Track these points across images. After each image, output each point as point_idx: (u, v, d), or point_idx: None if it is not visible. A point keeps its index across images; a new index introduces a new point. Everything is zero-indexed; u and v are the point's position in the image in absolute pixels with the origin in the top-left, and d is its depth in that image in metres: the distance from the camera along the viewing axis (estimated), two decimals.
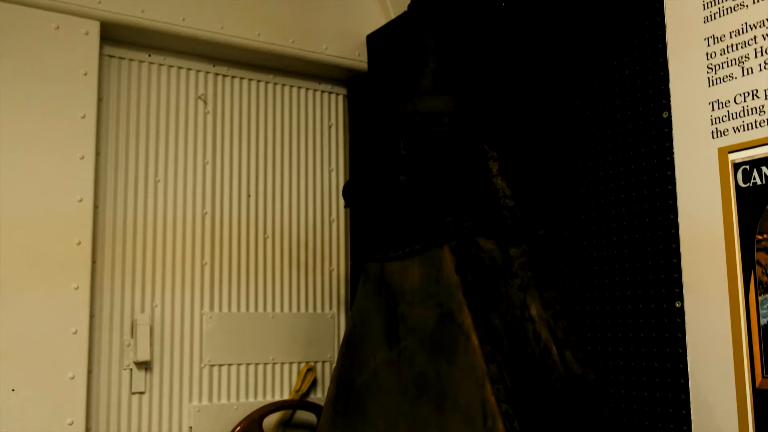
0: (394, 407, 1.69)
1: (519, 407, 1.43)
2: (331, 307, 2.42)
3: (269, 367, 2.29)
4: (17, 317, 1.83)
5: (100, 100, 2.04)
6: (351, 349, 1.89)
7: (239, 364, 2.24)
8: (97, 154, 2.03)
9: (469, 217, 1.64)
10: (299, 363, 2.33)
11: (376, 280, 1.82)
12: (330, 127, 2.49)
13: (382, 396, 1.74)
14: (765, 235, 1.27)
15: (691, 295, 1.40)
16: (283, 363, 2.31)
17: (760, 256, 1.28)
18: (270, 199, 2.35)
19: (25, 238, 1.87)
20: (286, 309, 2.34)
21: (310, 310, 2.39)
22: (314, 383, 2.33)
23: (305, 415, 2.30)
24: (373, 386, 1.78)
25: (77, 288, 1.92)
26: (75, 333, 1.91)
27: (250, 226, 2.30)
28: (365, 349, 1.83)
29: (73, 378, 1.89)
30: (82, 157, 1.95)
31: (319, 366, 2.36)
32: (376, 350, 1.78)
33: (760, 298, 1.28)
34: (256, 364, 2.26)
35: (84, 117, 1.96)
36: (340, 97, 2.52)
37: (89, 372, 1.97)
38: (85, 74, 1.98)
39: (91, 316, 1.99)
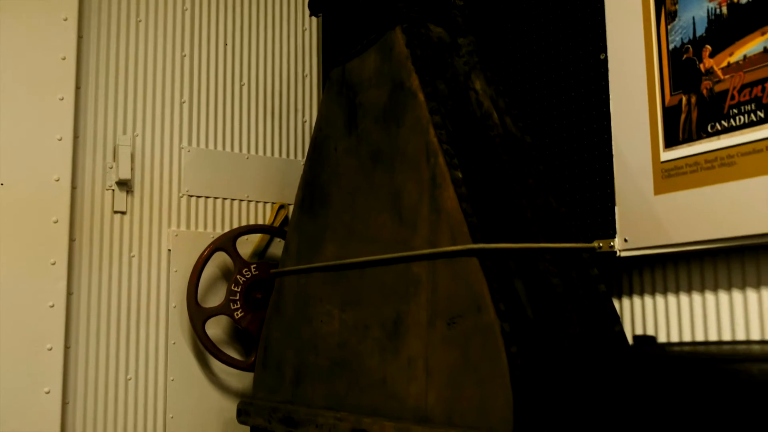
0: (353, 186, 1.84)
1: (460, 149, 1.58)
2: (303, 155, 2.57)
3: (244, 204, 2.44)
4: (5, 123, 1.98)
5: None
6: (316, 151, 2.04)
7: (216, 198, 2.38)
8: None
9: (419, 3, 1.79)
10: (272, 203, 2.48)
11: (339, 81, 1.97)
12: None
13: (343, 181, 1.89)
14: None
15: (613, 43, 1.55)
16: (257, 201, 2.46)
17: None
18: (246, 49, 2.50)
19: (11, 52, 2.01)
20: (260, 152, 2.49)
21: (284, 155, 2.54)
22: (286, 220, 2.47)
23: (278, 251, 2.45)
24: (334, 176, 1.93)
25: (62, 99, 2.07)
26: (60, 140, 2.05)
27: (227, 72, 2.45)
28: (328, 146, 1.98)
29: (57, 180, 2.04)
30: None
31: (291, 208, 2.51)
32: (337, 143, 1.93)
33: (669, 26, 1.43)
34: (232, 200, 2.41)
35: None
36: None
37: (74, 187, 2.12)
38: None
39: (76, 137, 2.13)
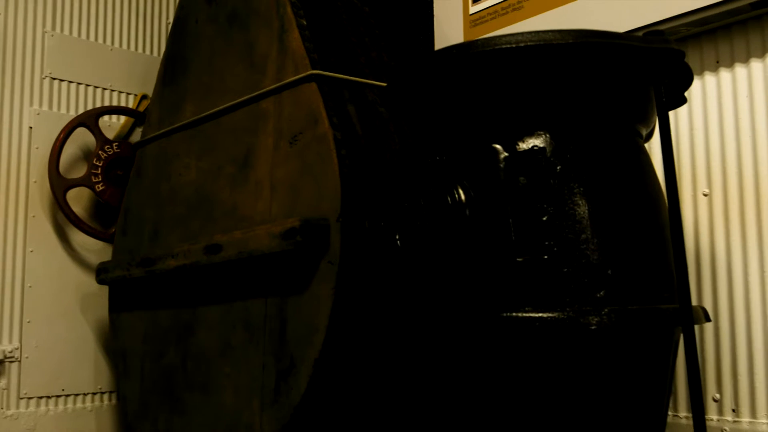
0: (211, 49, 2.03)
1: (305, 5, 1.81)
2: None
3: (107, 92, 2.55)
4: None
5: None
6: (177, 28, 2.21)
7: (79, 84, 2.49)
8: None
9: None
10: (135, 94, 2.61)
11: None
12: None
13: (203, 47, 2.07)
14: None
15: None
16: (120, 92, 2.58)
17: None
18: None
19: None
20: (124, 46, 2.61)
21: (147, 52, 2.67)
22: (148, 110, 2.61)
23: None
24: (195, 45, 2.11)
25: None
26: None
27: None
28: (190, 20, 2.16)
29: None
30: None
31: None
32: (198, 15, 2.11)
33: None
34: (95, 87, 2.52)
35: None
36: None
37: None
38: None
39: None
